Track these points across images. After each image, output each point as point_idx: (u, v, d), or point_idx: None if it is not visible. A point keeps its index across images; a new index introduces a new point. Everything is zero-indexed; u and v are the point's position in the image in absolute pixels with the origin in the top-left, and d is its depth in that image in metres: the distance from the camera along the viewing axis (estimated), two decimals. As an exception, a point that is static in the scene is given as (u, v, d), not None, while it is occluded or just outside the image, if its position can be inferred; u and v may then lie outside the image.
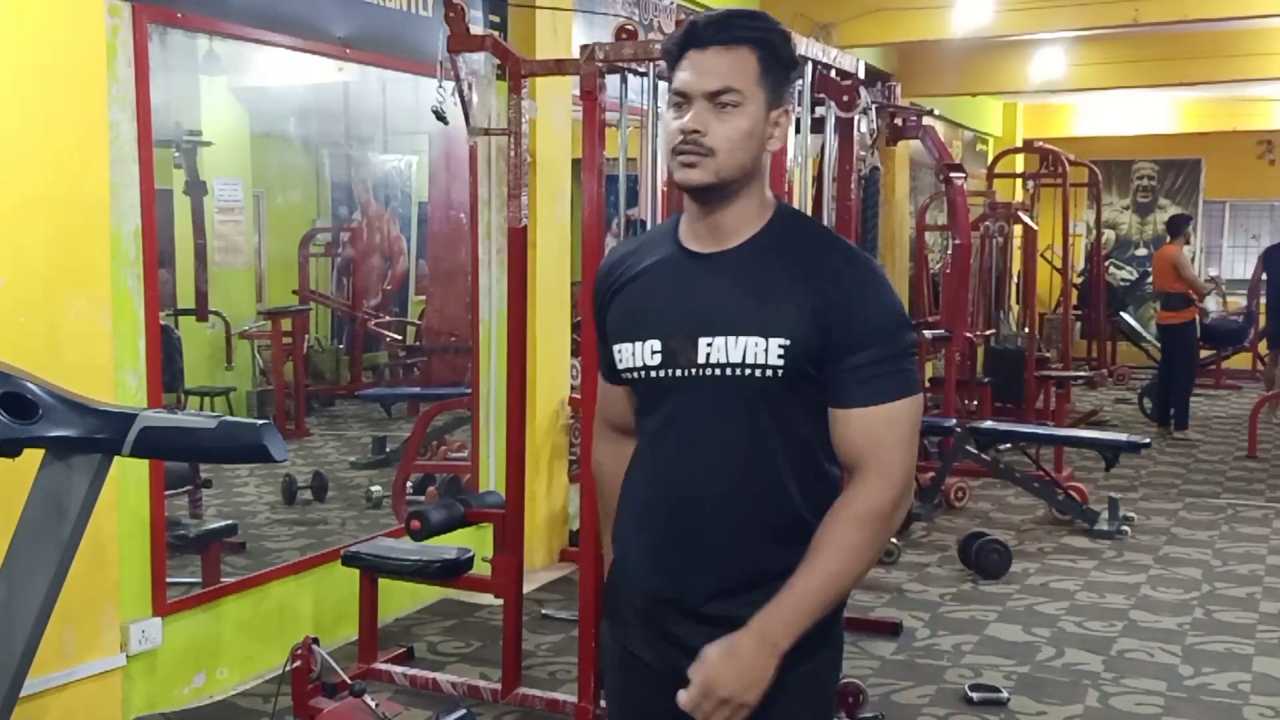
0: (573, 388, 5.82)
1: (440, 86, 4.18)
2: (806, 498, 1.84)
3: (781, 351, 1.77)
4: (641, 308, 1.87)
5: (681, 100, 1.79)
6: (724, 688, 1.73)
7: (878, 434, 1.78)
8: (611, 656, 2.03)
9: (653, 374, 1.85)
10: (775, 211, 1.87)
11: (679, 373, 1.82)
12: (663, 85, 4.09)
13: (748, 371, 1.78)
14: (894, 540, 5.92)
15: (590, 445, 2.16)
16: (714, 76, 1.77)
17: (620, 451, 2.03)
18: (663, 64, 3.92)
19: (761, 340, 1.77)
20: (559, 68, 4.51)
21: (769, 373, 1.78)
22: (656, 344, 1.83)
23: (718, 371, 1.79)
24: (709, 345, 1.79)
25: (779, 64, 1.81)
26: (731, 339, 1.78)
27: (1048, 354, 10.45)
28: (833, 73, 4.07)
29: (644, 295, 1.88)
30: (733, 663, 1.74)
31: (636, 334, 1.86)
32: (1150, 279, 14.95)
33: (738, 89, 1.77)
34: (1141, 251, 15.23)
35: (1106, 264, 13.46)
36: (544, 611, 5.07)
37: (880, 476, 1.78)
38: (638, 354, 1.85)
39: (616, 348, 1.89)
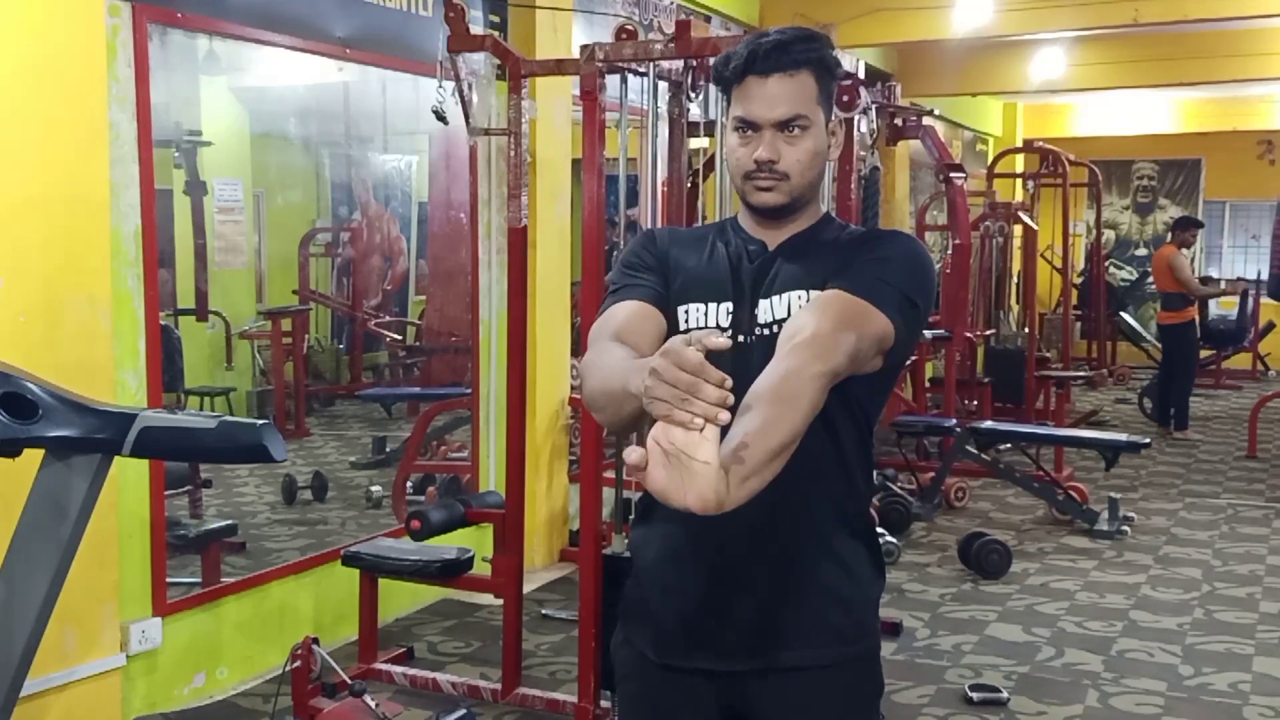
0: (573, 388, 5.82)
1: (440, 86, 4.18)
2: (852, 480, 1.88)
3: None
4: (713, 274, 1.91)
5: (747, 127, 1.84)
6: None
7: (834, 304, 1.73)
8: (639, 670, 1.96)
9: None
10: (822, 216, 1.96)
11: (741, 338, 1.85)
12: (663, 85, 4.11)
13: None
14: (894, 540, 5.92)
15: (597, 352, 1.83)
16: (781, 105, 1.82)
17: (629, 351, 1.81)
18: (663, 64, 3.94)
19: (803, 294, 1.83)
20: (559, 68, 4.51)
21: None
22: (729, 305, 1.88)
23: (769, 332, 1.83)
24: (767, 306, 1.86)
25: (831, 78, 1.89)
26: (777, 297, 1.85)
27: (1048, 354, 10.45)
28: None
29: (711, 265, 1.92)
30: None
31: (706, 295, 1.89)
32: (1150, 279, 15.05)
33: (804, 114, 1.83)
34: (1141, 251, 15.23)
35: (1106, 264, 13.46)
36: (544, 611, 5.07)
37: (816, 329, 1.66)
38: (710, 314, 1.88)
39: (683, 308, 1.90)
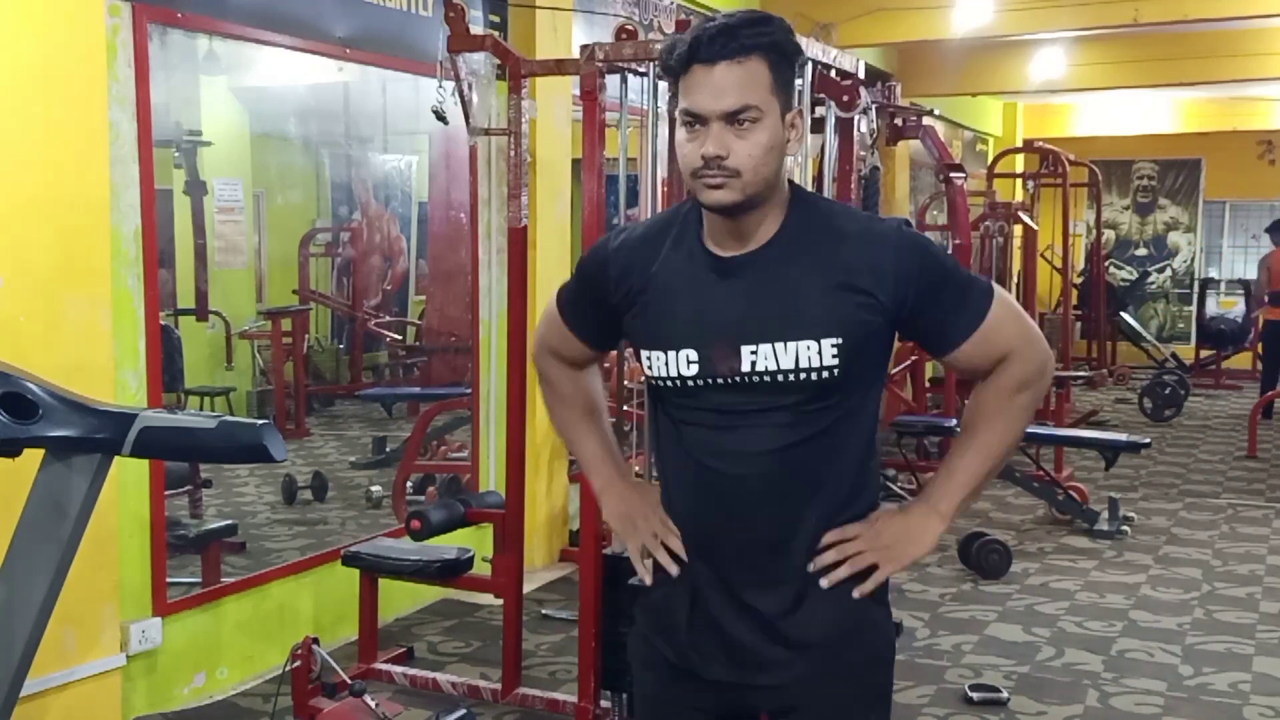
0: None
1: (440, 86, 4.18)
2: (866, 478, 1.89)
3: (835, 351, 1.74)
4: (671, 313, 1.82)
5: (694, 120, 1.73)
6: (886, 536, 1.84)
7: (1000, 335, 1.83)
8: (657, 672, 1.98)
9: (689, 383, 1.80)
10: (790, 201, 1.82)
11: (720, 380, 1.78)
12: (663, 85, 4.11)
13: (802, 376, 1.75)
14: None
15: (539, 359, 2.11)
16: (729, 95, 1.70)
17: (574, 376, 2.08)
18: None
19: (813, 343, 1.74)
20: (559, 68, 4.51)
21: (824, 374, 1.75)
22: (692, 354, 1.79)
23: (767, 379, 1.76)
24: (753, 354, 1.76)
25: (788, 65, 1.75)
26: (779, 345, 1.75)
27: (1047, 354, 10.44)
28: (833, 73, 4.07)
29: (671, 299, 1.82)
30: (899, 519, 1.87)
31: (668, 342, 1.81)
32: (1151, 279, 15.04)
33: (755, 104, 1.70)
34: (1141, 251, 15.23)
35: (1106, 264, 13.46)
36: (544, 611, 5.07)
37: (1022, 355, 1.85)
38: (671, 364, 1.80)
39: (645, 354, 1.84)
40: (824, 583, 1.82)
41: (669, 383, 1.82)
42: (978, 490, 1.91)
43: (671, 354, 1.80)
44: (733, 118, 1.70)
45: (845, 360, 1.75)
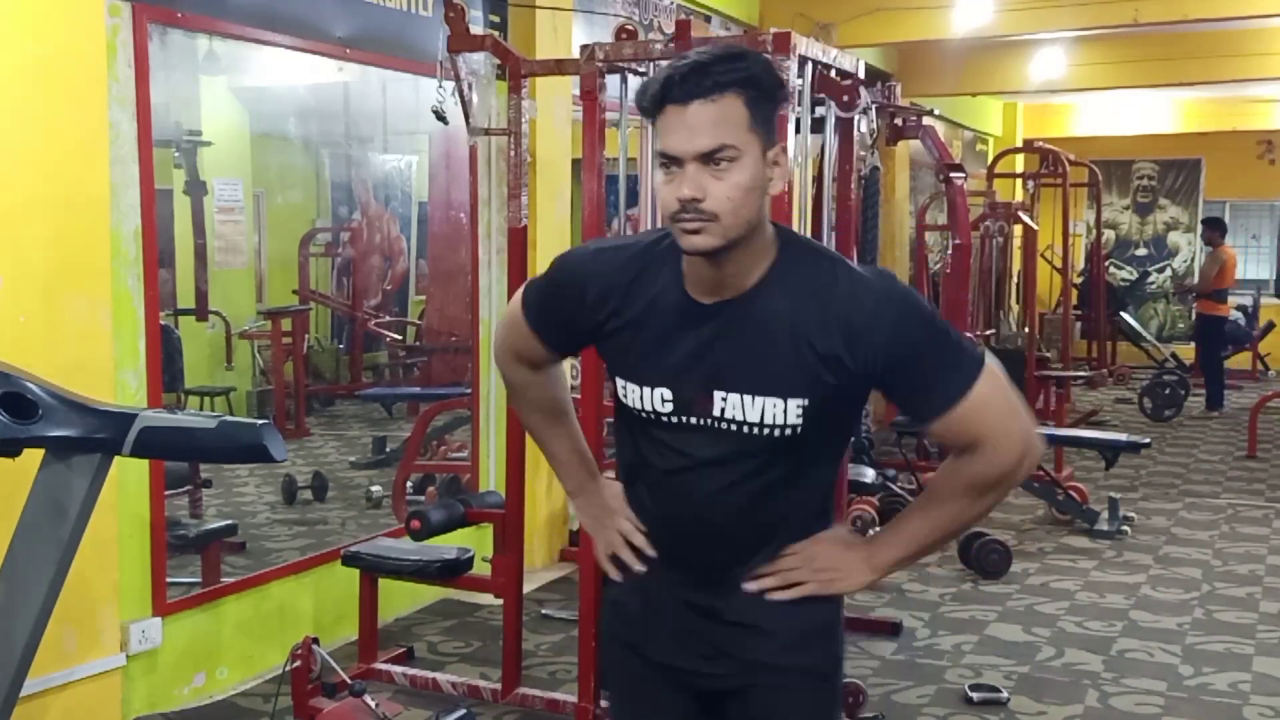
0: (573, 387, 5.80)
1: (440, 86, 4.18)
2: (824, 521, 1.92)
3: (800, 412, 1.74)
4: (647, 354, 1.80)
5: (670, 163, 1.67)
6: (822, 561, 1.86)
7: (976, 418, 1.75)
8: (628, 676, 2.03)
9: (664, 419, 1.82)
10: (778, 248, 1.76)
11: (694, 420, 1.79)
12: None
13: (765, 430, 1.76)
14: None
15: (501, 359, 2.07)
16: (703, 135, 1.63)
17: (539, 379, 2.05)
18: (663, 64, 3.94)
19: (779, 401, 1.73)
20: (559, 68, 4.51)
21: (788, 431, 1.75)
22: (667, 392, 1.79)
23: (733, 427, 1.77)
24: (723, 400, 1.76)
25: (768, 99, 1.68)
26: (748, 398, 1.74)
27: (1048, 354, 10.46)
28: (833, 73, 4.07)
29: (649, 339, 1.80)
30: (839, 550, 1.89)
31: (645, 378, 1.81)
32: (1151, 279, 15.04)
33: (731, 143, 1.64)
34: (1141, 251, 15.23)
35: (1106, 264, 13.46)
36: (544, 611, 5.07)
37: (995, 449, 1.78)
38: (647, 398, 1.81)
39: (621, 382, 1.85)
40: (750, 586, 1.85)
41: (642, 413, 1.84)
42: (920, 555, 1.96)
43: (646, 390, 1.80)
44: (709, 158, 1.64)
45: (809, 420, 1.75)
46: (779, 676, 1.88)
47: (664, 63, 3.94)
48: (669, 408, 1.80)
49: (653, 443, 1.86)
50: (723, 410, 1.76)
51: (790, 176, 3.69)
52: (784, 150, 1.74)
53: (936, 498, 1.89)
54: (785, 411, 1.74)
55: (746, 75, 1.66)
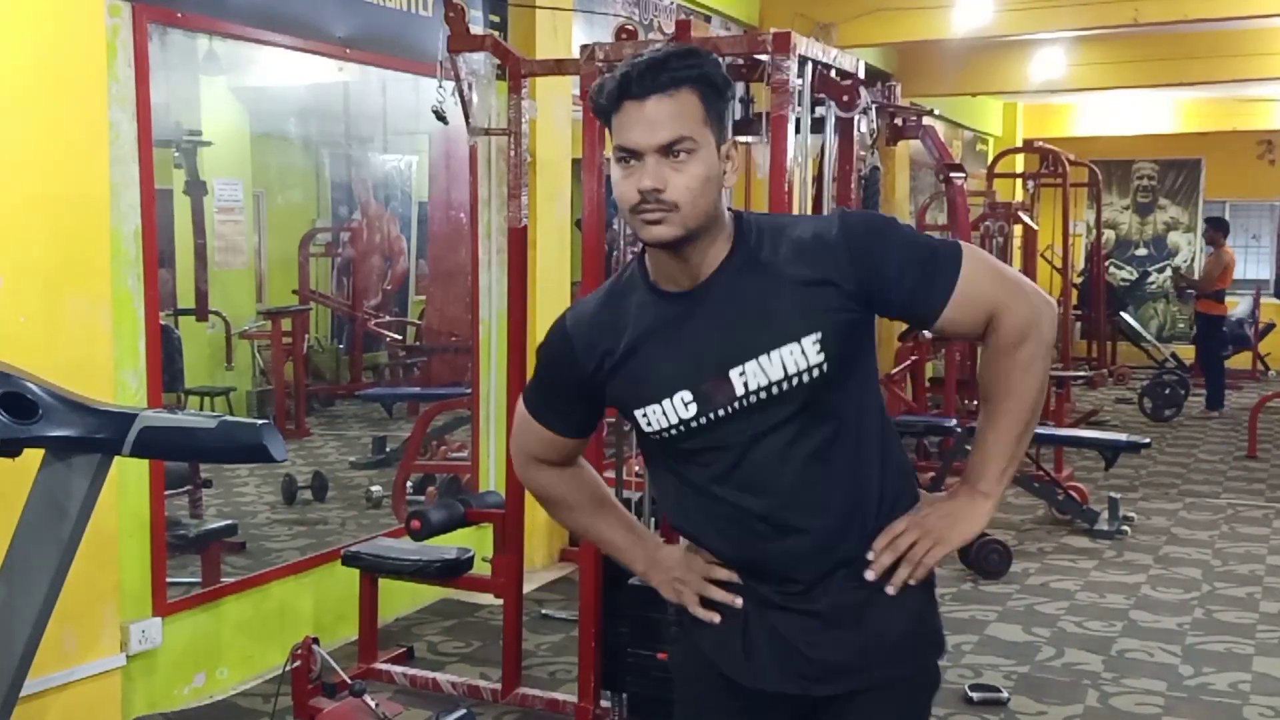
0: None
1: (440, 86, 4.18)
2: (889, 464, 1.87)
3: (818, 347, 1.73)
4: (652, 367, 1.80)
5: (629, 156, 1.71)
6: (932, 521, 1.84)
7: (977, 293, 1.79)
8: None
9: (691, 424, 1.78)
10: (735, 228, 1.80)
11: (721, 413, 1.77)
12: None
13: (794, 381, 1.74)
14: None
15: (525, 472, 2.08)
16: (662, 128, 1.69)
17: (567, 477, 2.03)
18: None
19: (795, 345, 1.73)
20: (559, 68, 4.51)
21: (815, 373, 1.74)
22: (686, 395, 1.77)
23: (762, 395, 1.75)
24: (742, 375, 1.75)
25: (720, 97, 1.74)
26: (764, 358, 1.74)
27: (1048, 354, 10.44)
28: (833, 73, 4.07)
29: (648, 352, 1.80)
30: (944, 505, 1.88)
31: (659, 392, 1.79)
32: (1151, 279, 15.05)
33: (689, 135, 1.69)
34: (1141, 251, 15.24)
35: (1106, 264, 13.46)
36: (544, 611, 5.07)
37: (1010, 309, 1.80)
38: (669, 412, 1.78)
39: (640, 414, 1.81)
40: (890, 590, 1.82)
41: (671, 431, 1.80)
42: (1016, 457, 1.88)
43: (666, 402, 1.79)
44: (668, 150, 1.69)
45: (831, 353, 1.74)
46: (884, 685, 1.86)
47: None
48: (693, 410, 1.77)
49: (692, 458, 1.82)
50: (745, 386, 1.75)
51: (791, 177, 3.70)
52: (735, 145, 1.80)
53: (991, 393, 1.85)
54: (805, 353, 1.73)
55: (701, 72, 1.72)
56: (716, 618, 1.88)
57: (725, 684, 1.90)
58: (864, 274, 1.75)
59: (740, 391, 1.75)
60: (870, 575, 1.81)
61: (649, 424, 1.81)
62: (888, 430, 1.88)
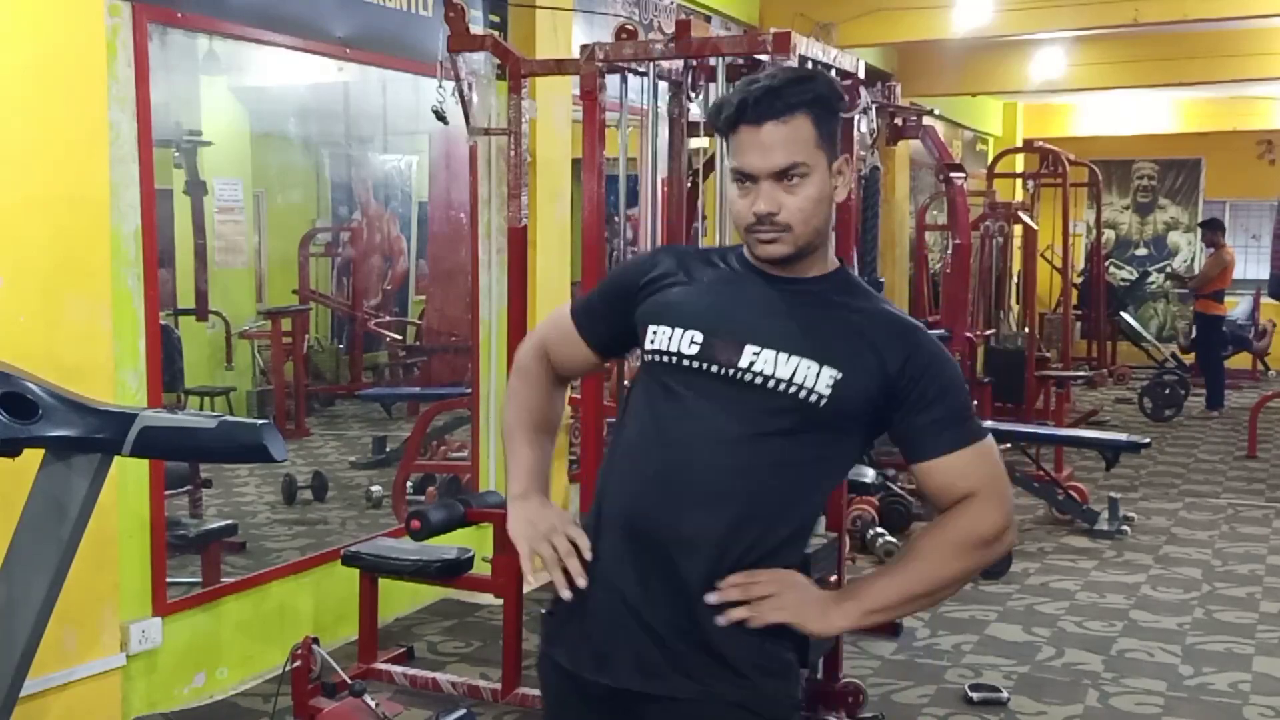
0: (573, 388, 5.81)
1: (440, 86, 4.19)
2: (796, 533, 1.86)
3: (832, 382, 1.76)
4: (690, 300, 1.86)
5: (745, 178, 1.79)
6: (798, 591, 1.81)
7: (975, 469, 1.82)
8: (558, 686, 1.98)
9: (685, 362, 1.81)
10: (839, 267, 1.90)
11: (714, 369, 1.80)
12: (663, 85, 4.11)
13: (793, 390, 1.77)
14: (894, 540, 5.92)
15: (523, 354, 2.09)
16: (777, 154, 1.76)
17: (548, 385, 2.06)
18: (663, 64, 3.94)
19: (815, 364, 1.77)
20: (559, 68, 4.51)
21: (813, 398, 1.77)
22: (698, 335, 1.81)
23: (759, 380, 1.78)
24: (755, 354, 1.78)
25: (833, 116, 1.81)
26: (783, 355, 1.78)
27: (1048, 354, 10.45)
28: (833, 73, 4.07)
29: (696, 291, 1.87)
30: (811, 590, 1.84)
31: (678, 320, 1.84)
32: (1151, 279, 15.05)
33: (802, 160, 1.77)
34: (1141, 251, 15.23)
35: (1106, 264, 13.46)
36: (544, 611, 5.05)
37: (986, 506, 1.82)
38: (674, 339, 1.82)
39: (652, 330, 1.85)
40: (721, 620, 1.78)
41: (666, 357, 1.83)
42: (895, 611, 1.89)
43: (678, 331, 1.83)
44: (782, 175, 1.77)
45: (836, 394, 1.76)
46: (705, 699, 1.80)
47: (664, 63, 3.97)
48: (694, 350, 1.81)
49: (662, 390, 1.84)
50: (751, 364, 1.78)
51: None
52: (848, 160, 1.86)
53: (918, 553, 1.85)
54: (817, 377, 1.76)
55: (814, 96, 1.79)
56: (567, 590, 1.89)
57: (563, 677, 1.95)
58: (905, 377, 1.79)
59: (743, 364, 1.79)
60: (711, 598, 1.78)
61: (653, 341, 1.86)
62: (817, 509, 1.92)
